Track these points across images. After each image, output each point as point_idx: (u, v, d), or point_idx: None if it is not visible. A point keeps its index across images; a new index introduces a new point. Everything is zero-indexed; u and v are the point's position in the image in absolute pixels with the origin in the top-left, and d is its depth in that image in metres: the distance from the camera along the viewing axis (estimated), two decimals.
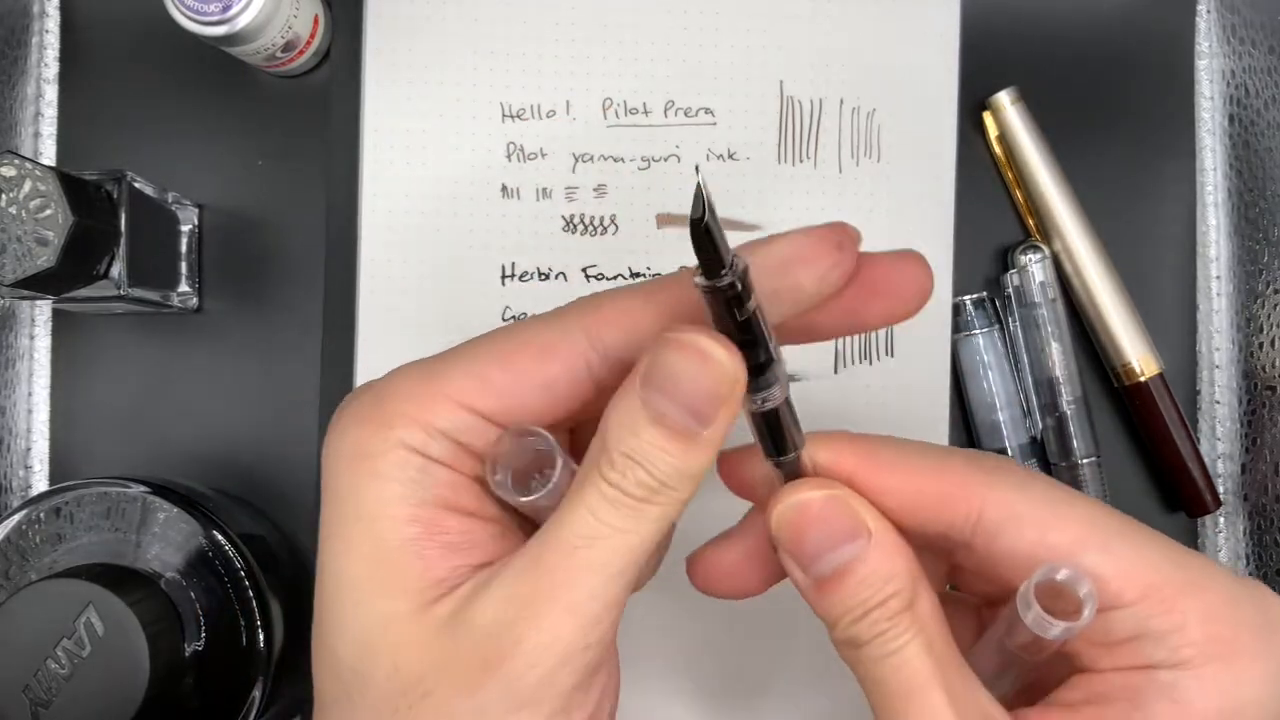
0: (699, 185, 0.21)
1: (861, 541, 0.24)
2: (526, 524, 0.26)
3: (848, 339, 0.41)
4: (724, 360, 0.22)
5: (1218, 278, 0.45)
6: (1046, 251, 0.43)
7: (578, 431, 0.28)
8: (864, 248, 0.24)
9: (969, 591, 0.28)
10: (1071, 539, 0.24)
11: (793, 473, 0.25)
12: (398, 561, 0.24)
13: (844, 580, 0.24)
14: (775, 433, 0.24)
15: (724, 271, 0.21)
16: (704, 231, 0.21)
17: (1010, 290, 0.44)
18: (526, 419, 0.24)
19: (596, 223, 0.42)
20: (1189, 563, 0.24)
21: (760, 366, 0.23)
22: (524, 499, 0.24)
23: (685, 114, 0.42)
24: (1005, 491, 0.24)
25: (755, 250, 0.23)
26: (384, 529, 0.24)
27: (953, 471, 0.25)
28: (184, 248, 0.43)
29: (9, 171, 0.35)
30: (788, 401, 0.24)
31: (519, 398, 0.24)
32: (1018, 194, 0.44)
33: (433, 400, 0.24)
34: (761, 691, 0.41)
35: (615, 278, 0.42)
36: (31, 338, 0.44)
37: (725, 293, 0.21)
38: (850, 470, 0.25)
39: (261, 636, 0.37)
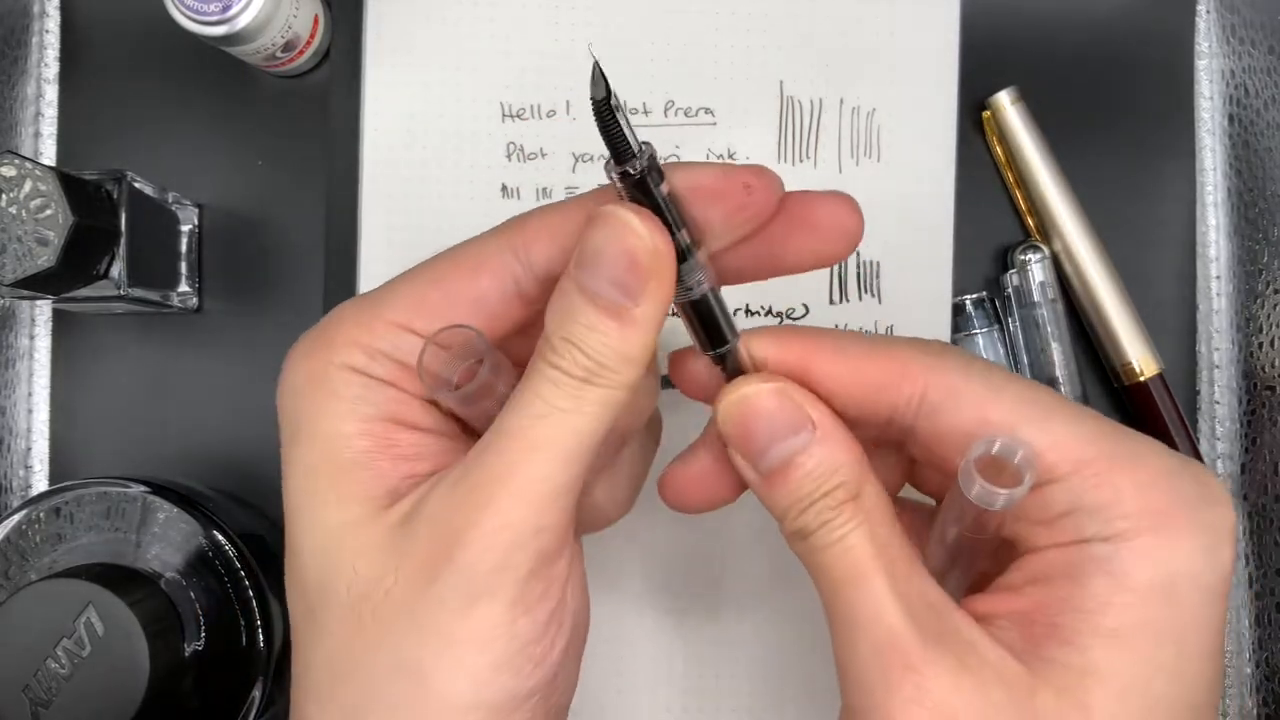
0: (595, 64, 0.21)
1: (806, 434, 0.24)
2: (478, 437, 0.26)
3: None
4: (639, 228, 0.22)
5: (1218, 278, 0.45)
6: (1046, 251, 0.43)
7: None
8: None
9: (926, 491, 0.28)
10: (1008, 415, 0.24)
11: (735, 370, 0.26)
12: (351, 473, 0.25)
13: (791, 472, 0.24)
14: (707, 323, 0.25)
15: (633, 156, 0.22)
16: (609, 112, 0.21)
17: (1010, 290, 0.44)
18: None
19: None
20: (1124, 438, 0.24)
21: (681, 253, 0.23)
22: (454, 392, 0.24)
23: (685, 114, 0.42)
24: (946, 373, 0.25)
25: (673, 170, 0.24)
26: (336, 444, 0.25)
27: (896, 355, 0.25)
28: (184, 248, 0.43)
29: (9, 171, 0.35)
30: (715, 292, 0.24)
31: (453, 315, 0.25)
32: (1018, 194, 0.44)
33: (371, 324, 0.25)
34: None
35: None
36: (31, 338, 0.44)
37: (633, 176, 0.22)
38: (794, 362, 0.25)
39: (261, 636, 0.37)
